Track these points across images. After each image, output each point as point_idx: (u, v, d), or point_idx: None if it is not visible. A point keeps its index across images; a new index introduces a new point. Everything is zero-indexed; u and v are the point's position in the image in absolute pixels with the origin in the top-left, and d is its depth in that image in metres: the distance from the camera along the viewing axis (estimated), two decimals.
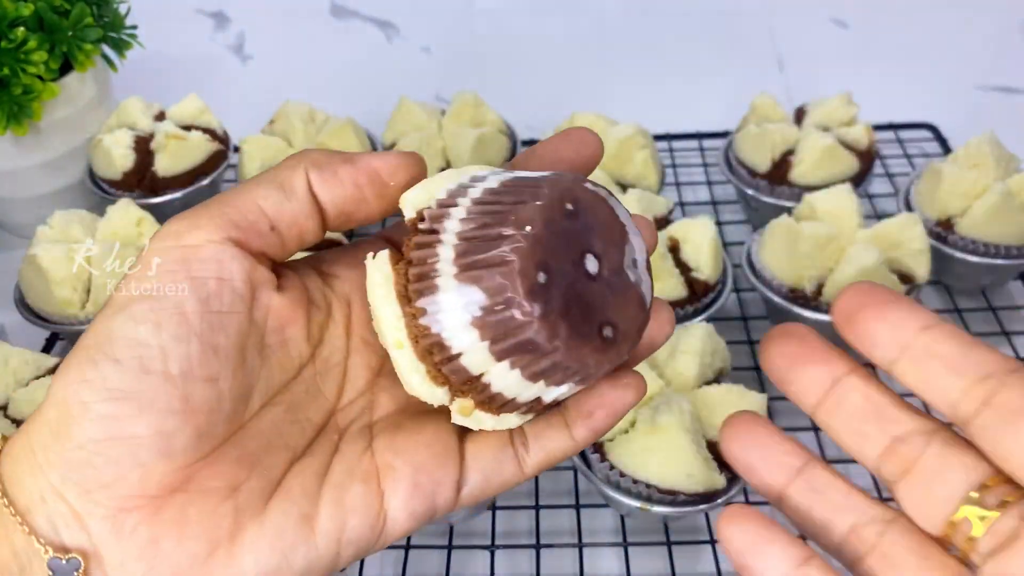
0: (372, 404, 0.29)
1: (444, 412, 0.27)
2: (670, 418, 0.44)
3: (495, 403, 0.25)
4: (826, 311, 0.56)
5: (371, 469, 0.27)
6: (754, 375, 0.59)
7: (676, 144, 0.83)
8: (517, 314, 0.22)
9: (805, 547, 0.23)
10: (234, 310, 0.25)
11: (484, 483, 0.28)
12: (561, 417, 0.28)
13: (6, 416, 0.49)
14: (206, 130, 0.73)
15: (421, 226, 0.25)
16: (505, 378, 0.24)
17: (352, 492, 0.26)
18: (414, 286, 0.24)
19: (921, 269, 0.57)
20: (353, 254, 0.30)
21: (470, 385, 0.25)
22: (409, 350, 0.25)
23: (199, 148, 0.71)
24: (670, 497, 0.45)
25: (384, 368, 0.29)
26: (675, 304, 0.56)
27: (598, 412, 0.27)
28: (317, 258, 0.29)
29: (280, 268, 0.27)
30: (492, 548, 0.50)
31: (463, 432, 0.28)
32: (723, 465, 0.45)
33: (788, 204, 0.65)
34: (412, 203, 0.26)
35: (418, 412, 0.28)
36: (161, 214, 0.66)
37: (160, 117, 0.73)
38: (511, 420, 0.26)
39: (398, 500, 0.26)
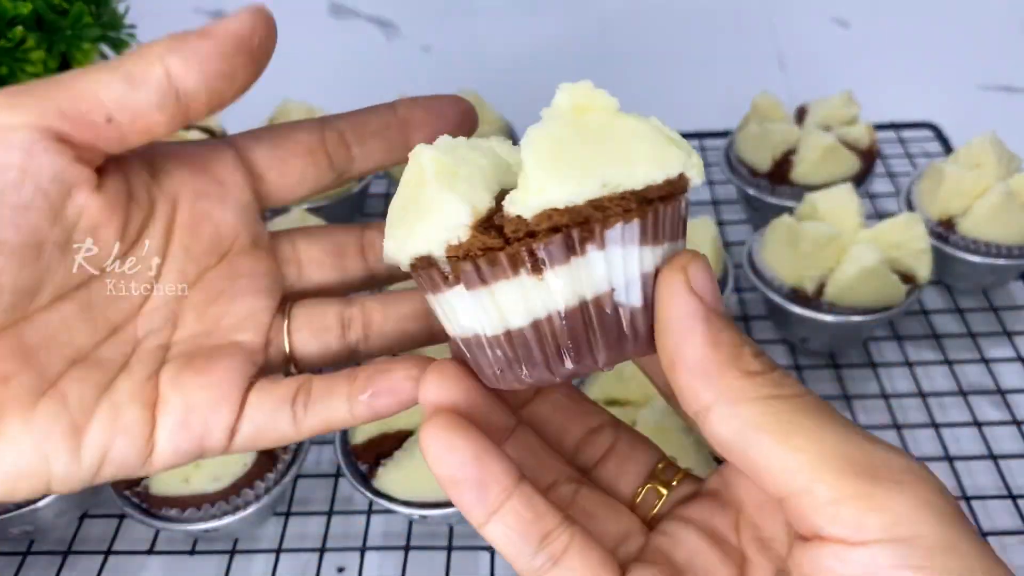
0: (176, 318, 0.28)
1: (237, 355, 0.27)
2: (671, 419, 0.44)
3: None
4: (827, 311, 0.56)
5: (152, 397, 0.26)
6: None
7: None
8: None
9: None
10: (33, 205, 0.23)
11: (256, 434, 0.27)
12: (347, 386, 0.28)
13: None
14: (204, 129, 0.72)
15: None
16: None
17: (128, 414, 0.26)
18: None
19: (922, 269, 0.56)
20: (192, 153, 0.29)
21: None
22: None
23: None
24: None
25: (199, 283, 0.28)
26: None
27: (384, 398, 0.27)
28: (151, 151, 0.28)
29: (107, 163, 0.26)
30: (492, 549, 0.49)
31: (251, 383, 0.28)
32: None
33: (789, 204, 0.65)
34: (393, 257, 0.25)
35: (215, 347, 0.28)
36: None
37: None
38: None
39: (166, 433, 0.26)
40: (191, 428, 0.27)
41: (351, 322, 0.30)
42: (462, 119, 0.31)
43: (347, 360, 0.31)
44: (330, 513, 0.52)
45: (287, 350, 0.30)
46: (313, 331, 0.30)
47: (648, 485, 0.28)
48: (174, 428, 0.26)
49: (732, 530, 0.26)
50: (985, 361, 0.59)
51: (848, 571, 0.21)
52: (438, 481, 0.24)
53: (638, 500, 0.28)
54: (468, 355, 0.26)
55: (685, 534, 0.27)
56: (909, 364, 0.59)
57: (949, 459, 0.53)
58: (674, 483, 0.29)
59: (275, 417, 0.27)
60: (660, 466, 0.29)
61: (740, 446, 0.22)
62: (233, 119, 0.77)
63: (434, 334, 0.30)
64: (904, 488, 0.21)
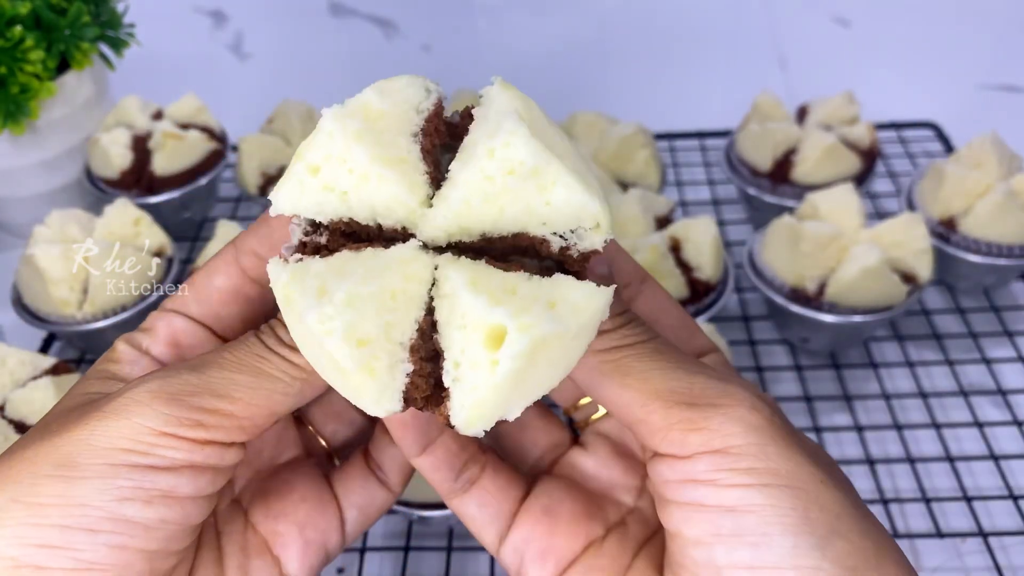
0: (231, 480, 0.30)
1: (303, 464, 0.30)
2: None
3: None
4: (828, 311, 0.56)
5: (259, 542, 0.29)
6: (756, 375, 0.59)
7: (677, 143, 0.83)
8: None
9: None
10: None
11: (362, 515, 0.30)
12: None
13: (3, 416, 0.49)
14: (204, 129, 0.72)
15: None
16: None
17: (252, 569, 0.28)
18: None
19: (924, 269, 0.56)
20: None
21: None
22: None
23: (197, 147, 0.70)
24: None
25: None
26: None
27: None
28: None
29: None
30: None
31: (327, 473, 0.31)
32: None
33: (790, 203, 0.65)
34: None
35: (276, 472, 0.30)
36: (159, 213, 0.66)
37: (158, 116, 0.73)
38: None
39: (295, 562, 0.29)
40: (313, 543, 0.29)
41: None
42: None
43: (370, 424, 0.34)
44: None
45: (324, 446, 0.33)
46: (337, 417, 0.33)
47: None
48: (299, 553, 0.29)
49: (639, 446, 0.31)
50: (986, 361, 0.59)
51: (677, 477, 0.26)
52: (387, 423, 0.28)
53: (576, 410, 0.33)
54: None
55: (599, 445, 0.32)
56: (910, 364, 0.59)
57: (950, 459, 0.53)
58: None
59: (367, 491, 0.31)
60: None
61: (591, 389, 0.27)
62: (232, 118, 0.77)
63: None
64: (719, 410, 0.25)
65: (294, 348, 0.26)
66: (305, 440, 0.33)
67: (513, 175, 0.23)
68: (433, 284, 0.24)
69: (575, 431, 0.34)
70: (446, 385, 0.24)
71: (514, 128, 0.23)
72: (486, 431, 0.24)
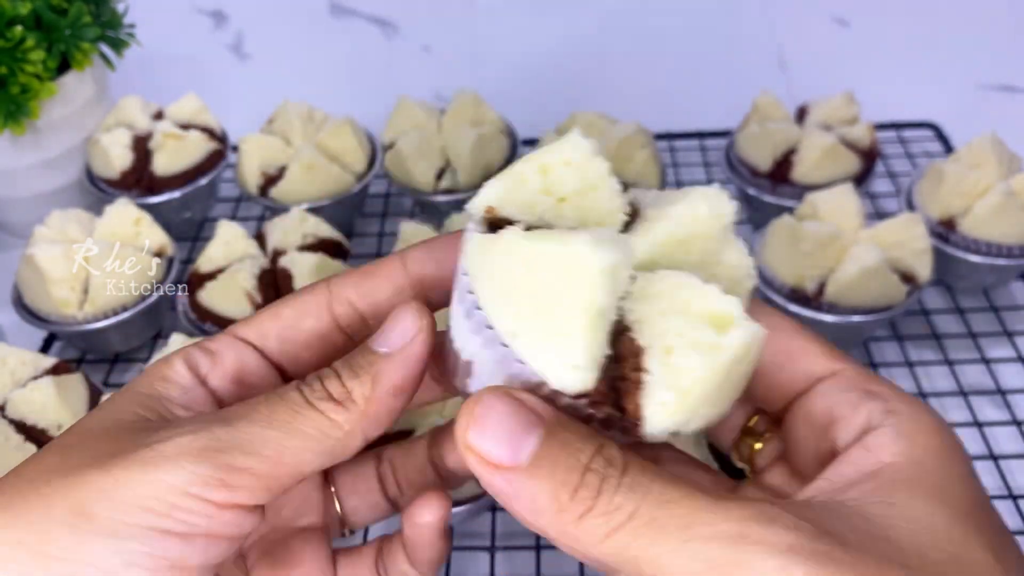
0: None
1: (313, 539, 0.30)
2: None
3: None
4: (827, 311, 0.56)
5: None
6: None
7: (677, 143, 0.83)
8: None
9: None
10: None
11: None
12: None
13: (3, 416, 0.49)
14: (204, 129, 0.72)
15: None
16: None
17: None
18: None
19: (923, 269, 0.56)
20: None
21: None
22: None
23: (197, 147, 0.70)
24: None
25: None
26: None
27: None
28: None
29: None
30: (492, 549, 0.49)
31: (334, 559, 0.31)
32: (724, 465, 0.45)
33: (790, 203, 0.65)
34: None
35: (286, 539, 0.30)
36: (159, 213, 0.66)
37: (158, 116, 0.73)
38: None
39: None
40: None
41: (386, 477, 0.32)
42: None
43: (390, 514, 0.33)
44: None
45: (340, 515, 0.32)
46: (360, 496, 0.32)
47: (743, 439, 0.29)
48: None
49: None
50: (986, 361, 0.59)
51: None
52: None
53: (741, 441, 0.29)
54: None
55: (774, 474, 0.28)
56: (910, 364, 0.59)
57: None
58: (766, 435, 0.29)
59: None
60: (751, 422, 0.29)
61: (792, 358, 0.27)
62: (233, 118, 0.77)
63: (443, 479, 0.32)
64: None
65: (338, 402, 0.25)
66: (325, 506, 0.32)
67: (703, 235, 0.26)
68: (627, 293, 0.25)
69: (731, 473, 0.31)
70: (646, 373, 0.23)
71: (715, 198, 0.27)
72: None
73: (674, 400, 0.23)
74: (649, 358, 0.23)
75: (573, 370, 0.23)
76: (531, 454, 0.23)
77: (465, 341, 0.25)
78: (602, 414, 0.24)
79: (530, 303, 0.23)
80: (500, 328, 0.24)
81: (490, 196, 0.26)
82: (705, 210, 0.26)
